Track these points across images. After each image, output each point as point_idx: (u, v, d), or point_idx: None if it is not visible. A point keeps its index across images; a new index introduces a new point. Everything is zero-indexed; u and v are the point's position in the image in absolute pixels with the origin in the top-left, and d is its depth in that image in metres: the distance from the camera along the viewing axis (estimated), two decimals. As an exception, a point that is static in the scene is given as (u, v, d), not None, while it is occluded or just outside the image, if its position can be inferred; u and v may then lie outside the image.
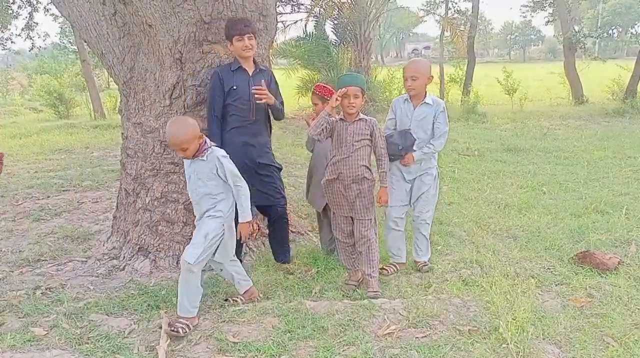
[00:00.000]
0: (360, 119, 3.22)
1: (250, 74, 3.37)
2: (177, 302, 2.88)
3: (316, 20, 15.00)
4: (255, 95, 3.31)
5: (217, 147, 2.97)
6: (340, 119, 3.23)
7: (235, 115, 3.36)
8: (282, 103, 3.62)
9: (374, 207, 3.32)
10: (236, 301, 3.15)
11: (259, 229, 4.11)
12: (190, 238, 3.79)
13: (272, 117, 3.62)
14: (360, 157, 3.20)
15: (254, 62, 3.42)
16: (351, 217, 3.33)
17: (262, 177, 3.47)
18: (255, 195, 3.33)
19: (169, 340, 2.69)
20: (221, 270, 3.17)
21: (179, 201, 3.77)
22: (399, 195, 3.57)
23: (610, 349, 2.56)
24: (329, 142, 3.32)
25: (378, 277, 3.39)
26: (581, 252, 3.69)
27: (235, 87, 3.31)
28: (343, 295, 3.28)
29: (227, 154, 3.21)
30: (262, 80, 3.36)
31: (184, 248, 3.78)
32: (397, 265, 3.64)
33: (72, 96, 17.00)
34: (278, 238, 3.70)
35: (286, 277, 3.54)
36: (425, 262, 3.66)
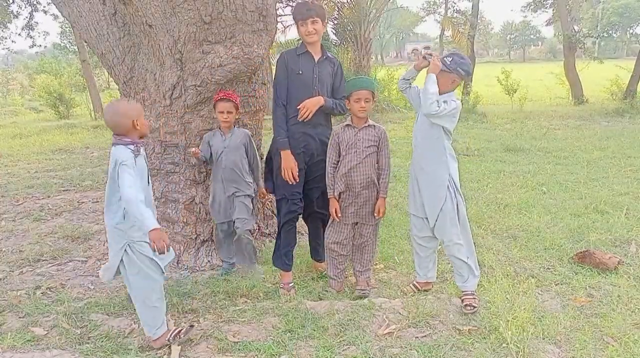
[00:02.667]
0: (369, 126, 3.17)
1: (317, 61, 3.22)
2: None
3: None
4: (300, 116, 3.15)
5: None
6: (347, 125, 3.20)
7: (296, 105, 3.17)
8: (344, 97, 3.28)
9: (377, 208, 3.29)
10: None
11: (259, 229, 4.11)
12: (190, 238, 3.82)
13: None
14: (370, 163, 3.17)
15: (322, 47, 3.27)
16: (353, 223, 3.29)
17: (313, 169, 3.33)
18: (307, 186, 3.35)
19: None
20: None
21: (179, 201, 3.77)
22: (416, 203, 3.16)
23: (610, 349, 2.57)
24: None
25: (369, 276, 3.41)
26: (581, 252, 3.69)
27: (300, 72, 3.16)
28: (343, 295, 3.29)
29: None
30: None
31: (184, 248, 3.81)
32: (417, 285, 3.33)
33: (72, 96, 17.01)
34: (312, 234, 3.61)
35: (286, 276, 3.53)
36: (472, 293, 3.04)
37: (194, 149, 3.51)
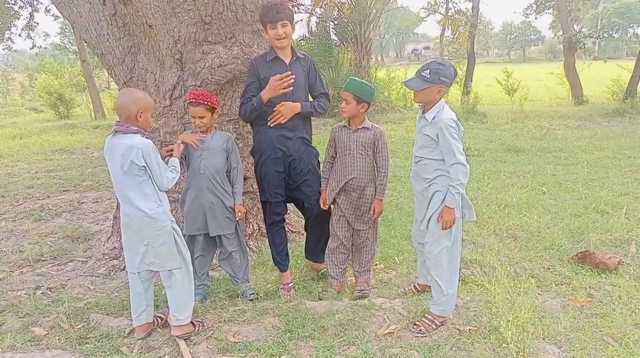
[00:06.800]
0: (364, 128, 3.13)
1: (288, 63, 3.11)
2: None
3: (318, 21, 15.04)
4: (274, 116, 3.06)
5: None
6: (344, 125, 3.20)
7: (272, 108, 3.09)
8: (323, 94, 3.29)
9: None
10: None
11: (259, 229, 4.11)
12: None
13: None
14: (362, 166, 3.14)
15: (292, 48, 3.16)
16: (351, 222, 3.28)
17: (297, 172, 3.26)
18: (290, 190, 3.31)
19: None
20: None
21: (178, 201, 3.76)
22: (417, 208, 2.97)
23: (610, 349, 2.56)
24: None
25: (369, 277, 3.41)
26: (581, 252, 3.69)
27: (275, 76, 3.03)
28: (343, 295, 3.29)
29: (262, 148, 3.18)
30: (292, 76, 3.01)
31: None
32: (418, 287, 3.28)
33: (73, 96, 17.02)
34: (313, 236, 3.55)
35: (286, 277, 3.53)
36: (430, 320, 2.78)
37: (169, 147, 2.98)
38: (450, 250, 2.80)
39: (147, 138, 2.59)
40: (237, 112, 3.32)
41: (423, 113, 2.78)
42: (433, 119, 2.70)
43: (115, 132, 2.56)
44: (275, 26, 2.99)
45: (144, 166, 2.54)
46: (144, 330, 2.78)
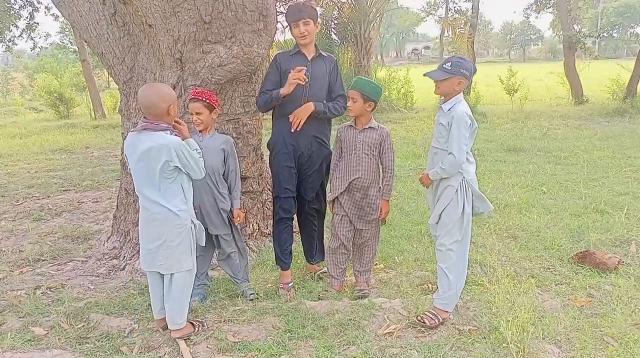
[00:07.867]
0: (370, 127, 3.14)
1: (310, 59, 3.22)
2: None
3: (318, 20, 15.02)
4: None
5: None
6: (350, 125, 3.20)
7: (287, 101, 3.15)
8: (341, 96, 3.32)
9: (379, 209, 3.27)
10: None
11: (258, 229, 4.11)
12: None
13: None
14: (367, 166, 3.15)
15: (315, 47, 3.27)
16: (353, 222, 3.27)
17: (305, 168, 3.32)
18: (302, 186, 3.35)
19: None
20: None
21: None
22: (430, 200, 3.01)
23: (610, 349, 2.57)
24: None
25: (369, 277, 3.41)
26: (581, 252, 3.69)
27: (291, 71, 3.13)
28: (343, 295, 3.29)
29: (275, 142, 3.26)
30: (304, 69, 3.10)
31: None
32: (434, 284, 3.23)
33: (73, 96, 17.00)
34: (305, 234, 3.61)
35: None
36: (434, 315, 2.83)
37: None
38: (460, 243, 2.84)
39: (175, 135, 2.60)
40: (255, 102, 3.43)
41: (442, 104, 2.85)
42: (449, 109, 2.77)
43: (143, 129, 2.54)
44: (298, 24, 3.13)
45: (177, 166, 2.55)
46: (164, 322, 2.80)
